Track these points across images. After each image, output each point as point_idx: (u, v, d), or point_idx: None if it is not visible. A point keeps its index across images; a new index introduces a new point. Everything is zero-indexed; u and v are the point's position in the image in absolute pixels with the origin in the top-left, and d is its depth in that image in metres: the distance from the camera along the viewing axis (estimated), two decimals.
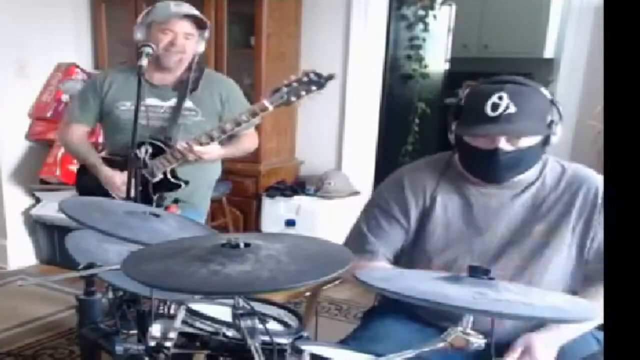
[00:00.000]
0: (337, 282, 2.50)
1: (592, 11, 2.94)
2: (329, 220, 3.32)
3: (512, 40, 5.14)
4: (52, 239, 3.66)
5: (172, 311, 1.49)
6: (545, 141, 1.45)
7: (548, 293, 1.27)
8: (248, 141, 2.48)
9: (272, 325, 1.31)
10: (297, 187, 3.59)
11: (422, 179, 1.57)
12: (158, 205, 2.30)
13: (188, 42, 2.26)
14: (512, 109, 1.37)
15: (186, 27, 2.24)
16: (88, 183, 2.41)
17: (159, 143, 2.25)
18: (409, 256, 1.58)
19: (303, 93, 2.17)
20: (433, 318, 1.53)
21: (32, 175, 3.67)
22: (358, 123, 3.65)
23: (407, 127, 4.36)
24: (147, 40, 2.22)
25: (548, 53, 5.17)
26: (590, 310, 1.12)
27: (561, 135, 1.46)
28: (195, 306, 1.29)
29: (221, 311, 1.27)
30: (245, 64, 3.46)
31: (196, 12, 2.26)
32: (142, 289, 1.24)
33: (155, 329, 1.24)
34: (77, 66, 3.74)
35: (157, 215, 1.46)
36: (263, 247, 1.07)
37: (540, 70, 4.80)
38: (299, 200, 3.48)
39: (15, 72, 3.53)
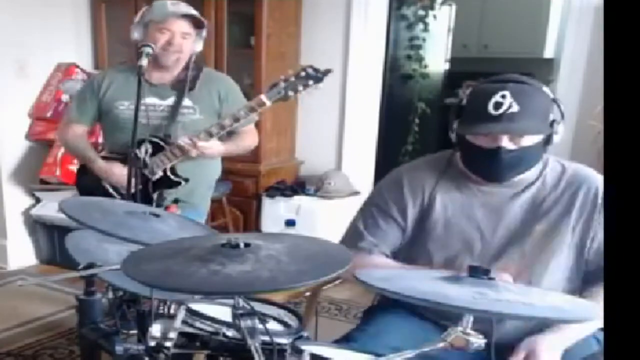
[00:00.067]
0: (337, 282, 2.50)
1: (592, 11, 2.94)
2: (329, 220, 3.32)
3: (512, 40, 5.14)
4: (52, 239, 3.66)
5: (172, 311, 1.49)
6: (547, 140, 1.45)
7: (548, 293, 1.27)
8: (248, 138, 2.48)
9: (272, 325, 1.31)
10: (297, 187, 3.59)
11: (421, 178, 1.57)
12: (158, 204, 2.31)
13: (185, 42, 2.26)
14: (515, 108, 1.37)
15: (183, 26, 2.24)
16: (88, 183, 2.42)
17: (158, 141, 2.25)
18: (409, 254, 1.58)
19: (301, 88, 2.17)
20: (433, 317, 1.53)
21: (32, 175, 3.67)
22: (358, 123, 3.65)
23: (407, 127, 4.36)
24: (145, 39, 2.23)
25: (548, 53, 5.17)
26: (590, 310, 1.12)
27: (562, 135, 1.46)
28: (195, 306, 1.28)
29: (221, 311, 1.27)
30: (245, 64, 3.46)
31: (193, 12, 2.27)
32: (142, 289, 1.24)
33: (155, 329, 1.24)
34: (77, 66, 3.74)
35: (157, 215, 1.46)
36: (263, 247, 1.07)
37: (540, 70, 4.80)
38: (299, 200, 3.48)
39: (15, 72, 3.53)
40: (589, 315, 1.10)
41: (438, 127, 4.45)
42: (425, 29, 4.24)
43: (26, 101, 3.66)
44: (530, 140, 1.42)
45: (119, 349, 1.24)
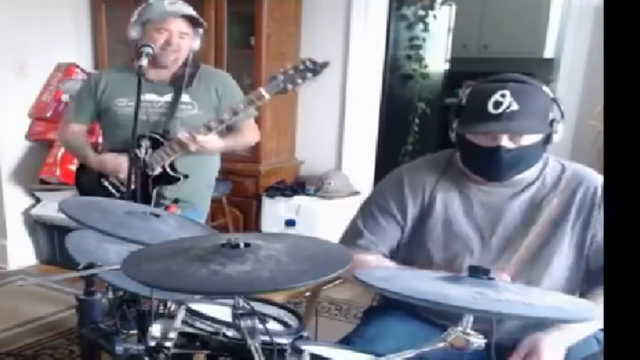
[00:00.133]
0: (337, 282, 2.50)
1: (592, 11, 2.94)
2: (329, 220, 3.32)
3: (512, 40, 5.14)
4: (52, 239, 3.66)
5: (172, 311, 1.49)
6: (547, 139, 1.45)
7: (548, 293, 1.28)
8: (248, 134, 2.48)
9: (272, 325, 1.31)
10: (297, 187, 3.59)
11: (421, 178, 1.57)
12: (158, 201, 2.31)
13: (183, 41, 2.26)
14: (515, 107, 1.37)
15: (181, 26, 2.24)
16: (87, 182, 2.43)
17: (157, 137, 2.26)
18: (409, 253, 1.58)
19: (299, 81, 2.17)
20: (434, 317, 1.53)
21: (32, 175, 3.67)
22: (358, 123, 3.65)
23: (407, 127, 4.36)
24: (142, 38, 2.23)
25: (548, 53, 5.16)
26: (590, 310, 1.12)
27: (562, 135, 1.46)
28: (195, 306, 1.29)
29: (221, 311, 1.27)
30: (245, 64, 3.46)
31: (191, 12, 2.26)
32: (142, 289, 1.24)
33: (155, 329, 1.24)
34: (77, 66, 3.74)
35: (157, 215, 1.46)
36: (263, 247, 1.07)
37: (540, 70, 4.80)
38: (299, 200, 3.48)
39: (15, 72, 3.53)
40: (589, 315, 1.10)
41: (438, 127, 4.45)
42: (425, 29, 4.24)
43: (26, 101, 3.66)
44: (530, 139, 1.42)
45: (119, 349, 1.24)
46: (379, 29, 3.62)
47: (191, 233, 1.42)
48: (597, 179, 1.48)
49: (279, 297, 2.17)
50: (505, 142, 1.40)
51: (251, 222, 3.60)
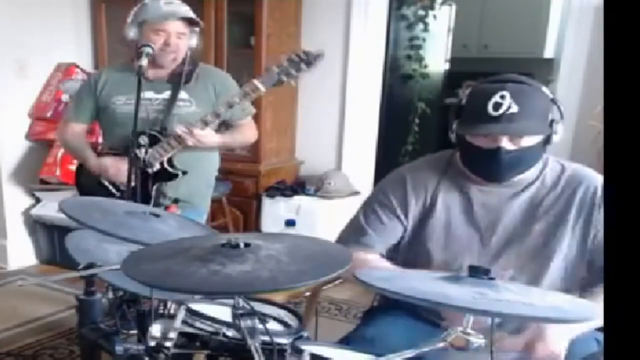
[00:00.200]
0: (337, 282, 2.50)
1: (592, 11, 2.94)
2: (329, 220, 3.32)
3: (512, 40, 5.14)
4: (52, 239, 3.66)
5: (172, 311, 1.49)
6: (547, 140, 1.45)
7: (548, 293, 1.28)
8: (247, 132, 2.49)
9: (272, 325, 1.31)
10: (297, 187, 3.59)
11: (423, 178, 1.57)
12: (157, 199, 2.32)
13: (181, 41, 2.27)
14: (514, 109, 1.37)
15: (179, 26, 2.25)
16: (87, 181, 2.44)
17: (155, 133, 2.26)
18: (410, 254, 1.58)
19: (293, 72, 2.19)
20: (434, 317, 1.53)
21: (32, 175, 3.67)
22: (358, 123, 3.65)
23: (407, 127, 4.36)
24: (140, 39, 2.24)
25: (548, 53, 5.16)
26: (590, 310, 1.12)
27: (561, 135, 1.46)
28: (195, 306, 1.29)
29: (221, 311, 1.27)
30: (245, 64, 3.46)
31: (188, 13, 2.27)
32: (142, 289, 1.24)
33: (155, 329, 1.24)
34: (77, 66, 3.75)
35: (157, 215, 1.46)
36: (263, 247, 1.07)
37: (540, 70, 4.80)
38: (299, 200, 3.48)
39: (15, 72, 3.53)
40: (589, 316, 1.10)
41: (438, 127, 4.45)
42: (425, 29, 4.24)
43: (26, 101, 3.66)
44: (529, 140, 1.42)
45: (119, 349, 1.24)
46: (379, 29, 3.62)
47: (191, 233, 1.42)
48: (597, 179, 1.48)
49: (279, 297, 2.17)
50: (505, 143, 1.40)
51: (251, 222, 3.60)
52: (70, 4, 3.80)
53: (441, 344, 1.08)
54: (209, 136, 2.27)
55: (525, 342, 1.36)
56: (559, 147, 1.52)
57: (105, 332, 1.34)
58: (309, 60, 2.18)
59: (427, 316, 1.55)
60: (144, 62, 2.12)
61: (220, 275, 0.98)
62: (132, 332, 1.39)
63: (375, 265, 1.53)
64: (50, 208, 3.54)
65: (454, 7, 4.62)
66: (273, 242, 1.11)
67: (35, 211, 3.68)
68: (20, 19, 3.48)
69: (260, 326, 1.13)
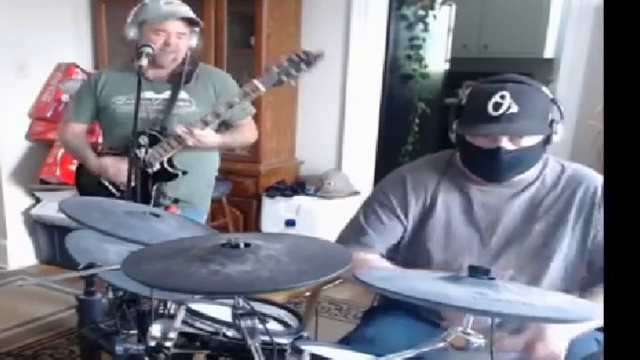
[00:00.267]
0: (337, 282, 2.50)
1: (592, 11, 2.93)
2: (329, 220, 3.32)
3: (512, 40, 5.14)
4: (52, 239, 3.66)
5: (172, 311, 1.49)
6: (547, 140, 1.45)
7: (548, 293, 1.28)
8: (247, 132, 2.49)
9: (272, 325, 1.31)
10: (297, 187, 3.59)
11: (423, 178, 1.57)
12: (157, 199, 2.32)
13: (181, 41, 2.27)
14: (514, 109, 1.37)
15: (178, 26, 2.25)
16: (87, 181, 2.44)
17: (155, 133, 2.27)
18: (410, 254, 1.58)
19: (293, 72, 2.19)
20: (434, 317, 1.53)
21: (32, 175, 3.67)
22: (358, 123, 3.65)
23: (407, 127, 4.36)
24: (140, 39, 2.24)
25: (548, 53, 5.16)
26: (590, 310, 1.12)
27: (561, 135, 1.46)
28: (195, 306, 1.29)
29: (221, 311, 1.27)
30: (245, 64, 3.46)
31: (188, 13, 2.27)
32: (142, 289, 1.24)
33: (155, 329, 1.24)
34: (77, 66, 3.75)
35: (157, 215, 1.46)
36: (263, 247, 1.07)
37: (540, 70, 4.80)
38: (299, 200, 3.48)
39: (15, 72, 3.53)
40: (589, 315, 1.10)
41: (438, 127, 4.45)
42: (425, 29, 4.24)
43: (26, 101, 3.66)
44: (529, 140, 1.42)
45: (119, 349, 1.24)
46: (379, 29, 3.62)
47: (191, 233, 1.42)
48: (597, 179, 1.48)
49: (279, 297, 2.17)
50: (505, 143, 1.40)
51: (251, 222, 3.60)
52: (70, 4, 3.80)
53: (441, 344, 1.09)
54: (209, 136, 2.27)
55: (525, 342, 1.36)
56: (559, 147, 1.52)
57: (105, 332, 1.34)
58: (309, 60, 2.19)
59: (427, 316, 1.55)
60: (144, 62, 2.12)
61: (220, 275, 0.98)
62: (132, 332, 1.39)
63: (375, 265, 1.53)
64: (50, 208, 3.54)
65: (454, 7, 4.62)
66: (273, 242, 1.11)
67: (35, 211, 3.68)
68: (20, 19, 3.48)
69: (260, 326, 1.13)
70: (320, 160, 3.73)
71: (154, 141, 2.25)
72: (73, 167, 2.93)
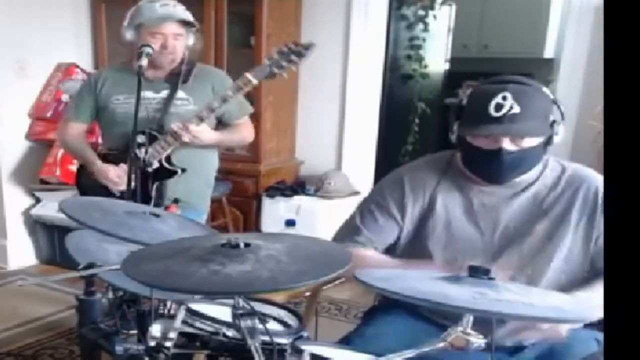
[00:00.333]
0: (337, 282, 2.50)
1: (592, 11, 2.93)
2: (329, 220, 3.32)
3: (512, 40, 5.14)
4: (52, 239, 3.66)
5: (172, 311, 1.49)
6: (548, 141, 1.45)
7: (548, 293, 1.28)
8: (244, 130, 2.50)
9: (272, 325, 1.31)
10: (297, 187, 3.59)
11: (422, 178, 1.57)
12: (157, 198, 2.32)
13: (178, 42, 2.29)
14: (516, 109, 1.37)
15: (175, 28, 2.26)
16: (88, 182, 2.44)
17: (153, 132, 2.28)
18: (410, 254, 1.57)
19: (285, 64, 2.20)
20: (435, 316, 1.53)
21: (32, 175, 3.67)
22: (358, 123, 3.65)
23: (407, 127, 4.36)
24: (138, 42, 2.25)
25: (548, 53, 5.16)
26: (590, 310, 1.12)
27: (562, 136, 1.46)
28: (195, 306, 1.29)
29: (221, 311, 1.27)
30: (245, 64, 3.44)
31: (184, 15, 2.27)
32: (142, 289, 1.24)
33: (155, 329, 1.24)
34: (77, 66, 3.74)
35: (157, 215, 1.46)
36: (263, 247, 1.07)
37: (540, 70, 4.80)
38: (299, 200, 3.48)
39: (15, 72, 3.53)
40: (589, 315, 1.10)
41: (438, 127, 4.46)
42: (425, 29, 4.24)
43: (26, 101, 3.66)
44: (531, 141, 1.42)
45: (119, 349, 1.24)
46: (379, 29, 3.62)
47: (191, 233, 1.42)
48: (597, 180, 1.48)
49: (279, 297, 2.17)
50: (507, 144, 1.40)
51: (251, 222, 3.60)
52: (70, 4, 3.80)
53: (441, 344, 1.08)
54: (205, 132, 2.28)
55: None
56: (559, 147, 1.52)
57: (105, 332, 1.34)
58: (299, 51, 2.20)
59: (429, 316, 1.55)
60: (144, 62, 2.14)
61: (220, 275, 0.98)
62: (132, 332, 1.39)
63: (375, 260, 1.53)
64: (50, 208, 3.54)
65: (454, 7, 4.62)
66: (273, 242, 1.11)
67: (35, 211, 3.68)
68: (20, 19, 3.48)
69: (260, 326, 1.13)
70: (320, 160, 3.73)
71: (152, 140, 2.26)
72: (73, 167, 2.94)
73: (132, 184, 2.10)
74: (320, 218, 3.39)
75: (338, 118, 3.66)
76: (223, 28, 3.46)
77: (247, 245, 1.06)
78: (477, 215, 1.51)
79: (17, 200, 3.71)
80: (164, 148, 2.27)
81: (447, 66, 4.88)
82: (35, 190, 3.71)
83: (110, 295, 1.42)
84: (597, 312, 1.06)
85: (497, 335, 1.13)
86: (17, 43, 3.49)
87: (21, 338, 2.76)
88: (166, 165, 2.31)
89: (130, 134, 2.12)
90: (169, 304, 1.51)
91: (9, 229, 3.70)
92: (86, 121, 2.47)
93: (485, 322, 1.08)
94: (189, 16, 2.28)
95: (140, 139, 2.21)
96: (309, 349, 1.20)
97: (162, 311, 1.49)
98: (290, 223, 3.46)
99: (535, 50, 5.16)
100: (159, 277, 1.03)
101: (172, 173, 2.32)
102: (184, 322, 1.24)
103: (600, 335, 1.42)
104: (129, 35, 2.30)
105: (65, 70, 3.70)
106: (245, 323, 1.11)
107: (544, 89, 1.45)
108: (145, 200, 2.25)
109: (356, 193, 3.53)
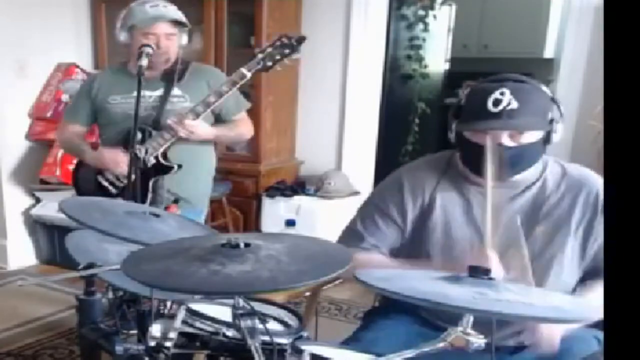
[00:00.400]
0: (337, 282, 2.50)
1: (592, 11, 2.94)
2: (329, 220, 3.32)
3: (512, 40, 5.14)
4: (52, 239, 3.66)
5: (172, 311, 1.49)
6: (547, 139, 1.44)
7: (548, 293, 1.28)
8: (241, 126, 2.51)
9: (272, 325, 1.31)
10: (297, 187, 3.59)
11: (421, 179, 1.57)
12: (155, 195, 2.33)
13: (171, 42, 2.30)
14: (514, 105, 1.37)
15: (167, 28, 2.28)
16: (85, 181, 2.46)
17: (149, 129, 2.29)
18: (409, 255, 1.57)
19: (278, 57, 2.22)
20: (435, 317, 1.52)
21: (32, 175, 3.67)
22: (358, 123, 3.65)
23: (407, 127, 4.36)
24: (132, 44, 2.28)
25: (548, 53, 5.17)
26: (590, 311, 1.12)
27: (561, 135, 1.46)
28: (195, 306, 1.28)
29: (221, 311, 1.27)
30: (245, 63, 3.45)
31: (174, 15, 2.29)
32: (142, 289, 1.24)
33: (155, 329, 1.24)
34: (77, 66, 3.75)
35: (157, 215, 1.46)
36: (263, 247, 1.07)
37: (540, 70, 4.80)
38: (299, 200, 3.48)
39: (15, 72, 3.53)
40: (589, 315, 1.10)
41: (438, 127, 4.45)
42: (425, 29, 4.24)
43: (26, 101, 3.66)
44: (529, 137, 1.41)
45: (119, 349, 1.24)
46: (379, 29, 3.62)
47: (191, 233, 1.42)
48: (598, 183, 1.47)
49: (279, 297, 2.17)
50: (506, 140, 1.40)
51: (251, 222, 3.60)
52: (70, 4, 3.80)
53: (441, 344, 1.08)
54: (201, 127, 2.29)
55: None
56: (559, 147, 1.52)
57: (105, 332, 1.34)
58: (291, 43, 2.22)
59: (428, 316, 1.54)
60: (144, 62, 2.16)
61: (220, 275, 0.98)
62: (132, 332, 1.39)
63: (378, 262, 1.52)
64: (50, 208, 3.54)
65: (454, 7, 4.63)
66: (273, 242, 1.11)
67: (35, 211, 3.68)
68: (20, 19, 3.48)
69: (260, 326, 1.13)
70: (320, 160, 3.73)
71: (149, 136, 2.28)
72: (73, 167, 2.93)
73: (132, 185, 2.11)
74: (320, 218, 3.39)
75: (338, 118, 3.66)
76: (223, 28, 3.46)
77: (247, 245, 1.06)
78: (476, 217, 1.51)
79: (17, 200, 3.71)
80: (160, 144, 2.28)
81: (447, 66, 4.88)
82: (35, 190, 3.71)
83: (110, 295, 1.42)
84: (597, 313, 1.06)
85: (497, 336, 1.12)
86: (17, 43, 3.49)
87: (21, 338, 2.76)
88: (162, 161, 2.31)
89: (127, 130, 2.13)
90: (169, 304, 1.51)
91: (9, 229, 3.70)
92: (83, 123, 2.49)
93: (485, 322, 1.08)
94: (180, 16, 2.31)
95: (138, 136, 2.22)
96: (309, 349, 1.20)
97: (162, 311, 1.49)
98: (290, 223, 3.46)
99: (535, 50, 5.16)
100: (159, 277, 1.03)
101: (168, 169, 2.32)
102: (184, 322, 1.24)
103: (600, 335, 1.42)
104: (122, 37, 2.33)
105: (65, 70, 3.70)
106: (245, 323, 1.11)
107: (543, 87, 1.45)
108: (142, 196, 2.26)
109: (356, 193, 3.53)
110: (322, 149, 3.74)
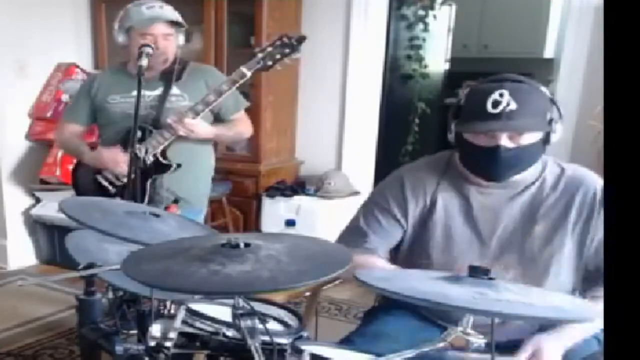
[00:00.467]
0: (337, 282, 2.50)
1: (592, 11, 2.94)
2: (329, 220, 3.32)
3: (512, 40, 5.15)
4: (52, 239, 3.66)
5: (172, 311, 1.49)
6: (546, 140, 1.45)
7: (548, 293, 1.27)
8: (240, 125, 2.52)
9: (272, 325, 1.31)
10: (297, 187, 3.59)
11: (422, 179, 1.57)
12: (153, 194, 2.33)
13: (168, 43, 2.31)
14: (513, 106, 1.37)
15: (164, 28, 2.28)
16: (83, 181, 2.46)
17: (149, 128, 2.29)
18: (409, 255, 1.58)
19: (278, 56, 2.23)
20: (435, 317, 1.53)
21: (32, 175, 3.67)
22: (358, 123, 3.65)
23: (407, 127, 4.36)
24: (130, 45, 2.29)
25: (548, 53, 5.17)
26: (590, 311, 1.12)
27: (561, 135, 1.46)
28: (195, 306, 1.28)
29: (221, 311, 1.27)
30: (245, 63, 3.45)
31: (171, 15, 2.29)
32: (142, 289, 1.24)
33: (155, 329, 1.24)
34: (77, 66, 3.75)
35: (157, 215, 1.46)
36: (263, 247, 1.07)
37: (540, 70, 4.80)
38: (299, 200, 3.48)
39: (15, 72, 3.53)
40: (588, 315, 1.10)
41: (438, 127, 4.45)
42: (425, 29, 4.24)
43: (26, 101, 3.66)
44: (529, 138, 1.41)
45: (119, 349, 1.24)
46: (379, 29, 3.62)
47: (191, 233, 1.42)
48: (596, 182, 1.47)
49: (279, 297, 2.17)
50: (505, 141, 1.40)
51: (251, 222, 3.60)
52: (70, 4, 3.80)
53: (441, 344, 1.08)
54: (200, 125, 2.29)
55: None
56: (558, 147, 1.52)
57: (105, 332, 1.34)
58: (291, 43, 2.22)
59: (430, 316, 1.55)
60: (145, 62, 2.17)
61: (220, 275, 0.98)
62: (132, 332, 1.38)
63: (376, 266, 1.52)
64: (50, 208, 3.54)
65: (454, 7, 4.63)
66: (273, 242, 1.11)
67: (35, 211, 3.68)
68: (20, 19, 3.48)
69: (260, 326, 1.13)
70: (320, 160, 3.73)
71: (148, 135, 2.28)
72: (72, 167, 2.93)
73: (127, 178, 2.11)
74: (320, 218, 3.39)
75: (338, 118, 3.66)
76: (223, 28, 3.46)
77: (247, 245, 1.06)
78: (476, 217, 1.51)
79: (17, 200, 3.71)
80: (160, 142, 2.29)
81: (447, 66, 4.88)
82: (35, 190, 3.71)
83: (110, 295, 1.42)
84: (597, 314, 1.06)
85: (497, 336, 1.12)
86: (17, 43, 3.49)
87: (21, 338, 2.76)
88: (161, 159, 2.31)
89: (126, 130, 2.13)
90: (168, 304, 1.51)
91: (9, 229, 3.70)
92: (82, 123, 2.49)
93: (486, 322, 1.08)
94: (177, 16, 2.31)
95: (137, 135, 2.22)
96: (309, 349, 1.20)
97: (162, 311, 1.49)
98: (290, 223, 3.46)
99: (535, 50, 5.17)
100: (159, 277, 1.03)
101: (166, 167, 2.33)
102: (184, 322, 1.24)
103: (600, 335, 1.42)
104: (120, 38, 2.34)
105: (65, 70, 3.70)
106: (245, 323, 1.11)
107: (542, 87, 1.45)
108: (141, 194, 2.26)
109: (356, 193, 3.53)
110: (322, 149, 3.74)
